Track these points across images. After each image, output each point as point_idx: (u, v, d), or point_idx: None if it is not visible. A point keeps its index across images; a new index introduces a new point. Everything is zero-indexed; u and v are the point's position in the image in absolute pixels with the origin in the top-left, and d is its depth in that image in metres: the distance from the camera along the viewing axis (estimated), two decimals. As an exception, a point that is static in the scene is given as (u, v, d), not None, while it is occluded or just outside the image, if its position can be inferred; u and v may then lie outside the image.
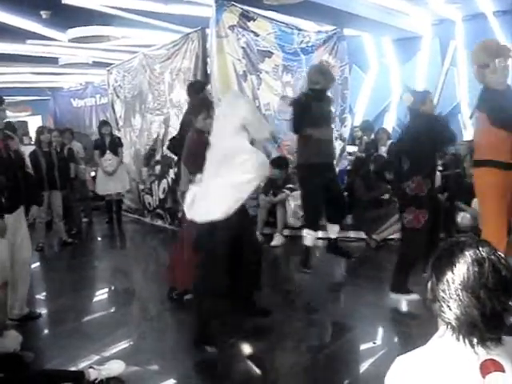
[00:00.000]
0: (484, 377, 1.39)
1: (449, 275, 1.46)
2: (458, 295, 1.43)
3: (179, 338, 4.32)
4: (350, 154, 8.84)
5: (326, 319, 4.68)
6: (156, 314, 4.98)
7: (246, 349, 4.00)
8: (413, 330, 4.09)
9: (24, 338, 3.88)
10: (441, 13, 8.90)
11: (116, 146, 8.89)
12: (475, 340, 1.43)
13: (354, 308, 4.88)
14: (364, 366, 3.67)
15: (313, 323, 4.55)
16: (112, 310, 5.14)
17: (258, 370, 3.73)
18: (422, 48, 9.71)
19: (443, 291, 1.47)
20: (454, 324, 1.45)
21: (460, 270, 1.45)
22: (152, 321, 4.77)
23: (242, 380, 3.61)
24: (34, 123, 15.26)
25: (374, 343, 4.03)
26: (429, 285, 1.52)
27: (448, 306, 1.45)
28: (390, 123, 9.95)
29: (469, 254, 1.46)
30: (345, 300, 5.38)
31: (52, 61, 10.52)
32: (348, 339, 4.22)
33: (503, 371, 1.41)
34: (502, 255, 1.49)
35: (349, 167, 8.48)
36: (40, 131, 7.69)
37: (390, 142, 8.20)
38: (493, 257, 1.46)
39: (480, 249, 1.47)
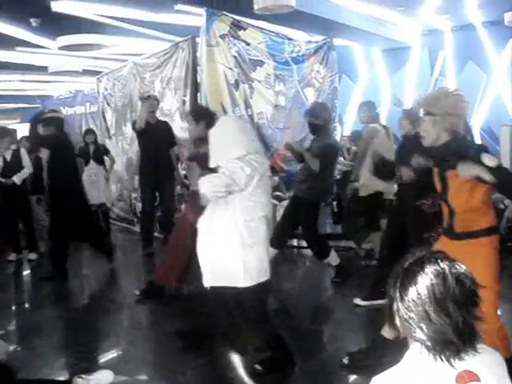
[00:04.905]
0: None
1: (413, 294, 1.41)
2: (428, 314, 1.39)
3: (168, 348, 4.29)
4: (338, 163, 8.84)
5: (314, 328, 4.68)
6: (145, 324, 4.95)
7: (234, 358, 3.98)
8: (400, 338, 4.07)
9: (10, 347, 3.85)
10: (430, 23, 8.99)
11: (100, 154, 8.76)
12: (451, 354, 1.40)
13: (342, 316, 4.87)
14: (353, 374, 3.67)
15: (301, 332, 4.52)
16: (100, 319, 5.10)
17: (245, 379, 3.70)
18: (412, 58, 9.78)
19: (409, 310, 1.42)
20: (428, 344, 1.41)
21: (424, 287, 1.40)
22: (141, 330, 4.73)
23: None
24: (22, 131, 15.15)
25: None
26: (394, 306, 1.47)
27: (419, 327, 1.41)
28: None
29: (430, 270, 1.42)
30: (333, 309, 5.36)
31: (41, 68, 10.49)
32: (337, 347, 4.21)
33: (478, 380, 1.41)
34: (462, 266, 1.45)
35: (338, 176, 8.48)
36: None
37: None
38: (454, 269, 1.43)
39: (439, 262, 1.43)
